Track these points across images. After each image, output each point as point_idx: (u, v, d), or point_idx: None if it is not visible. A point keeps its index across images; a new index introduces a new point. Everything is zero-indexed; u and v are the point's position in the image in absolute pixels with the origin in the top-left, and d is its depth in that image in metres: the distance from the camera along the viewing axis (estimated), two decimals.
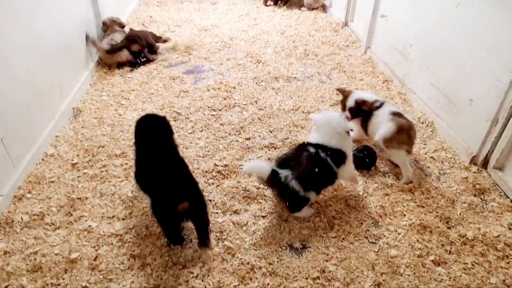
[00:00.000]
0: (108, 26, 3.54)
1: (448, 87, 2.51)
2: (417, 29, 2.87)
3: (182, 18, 4.69)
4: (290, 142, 2.47)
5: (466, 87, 2.34)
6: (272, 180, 1.75)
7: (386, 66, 3.38)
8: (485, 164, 2.25)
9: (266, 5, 5.34)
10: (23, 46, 2.16)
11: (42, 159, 2.25)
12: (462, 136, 2.38)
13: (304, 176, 1.76)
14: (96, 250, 1.72)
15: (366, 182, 2.16)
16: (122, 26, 3.64)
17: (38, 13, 2.35)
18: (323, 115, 1.95)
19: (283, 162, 1.81)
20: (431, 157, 2.37)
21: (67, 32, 2.77)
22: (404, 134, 2.07)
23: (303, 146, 1.86)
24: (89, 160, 2.27)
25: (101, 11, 3.39)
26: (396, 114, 2.13)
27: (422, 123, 2.70)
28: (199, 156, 2.33)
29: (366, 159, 2.22)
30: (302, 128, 2.63)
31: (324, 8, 5.20)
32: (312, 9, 5.12)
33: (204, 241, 1.69)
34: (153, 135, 1.78)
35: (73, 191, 2.03)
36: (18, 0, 2.13)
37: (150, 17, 4.63)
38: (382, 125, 2.12)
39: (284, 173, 1.75)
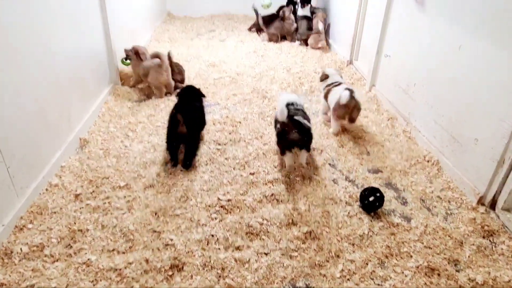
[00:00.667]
0: (131, 55, 3.60)
1: (453, 126, 2.52)
2: (421, 69, 2.92)
3: (192, 54, 4.83)
4: (295, 178, 2.45)
5: (470, 126, 2.34)
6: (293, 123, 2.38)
7: (390, 104, 3.42)
8: (493, 205, 2.21)
9: (250, 30, 5.94)
10: (35, 78, 2.22)
11: (46, 189, 2.25)
12: (468, 176, 2.36)
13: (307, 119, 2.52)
14: (94, 285, 1.68)
15: (371, 221, 2.13)
16: (144, 55, 3.63)
17: (52, 47, 2.44)
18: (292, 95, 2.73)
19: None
20: (438, 197, 2.34)
21: (79, 65, 2.85)
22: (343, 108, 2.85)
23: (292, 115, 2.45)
24: (93, 191, 2.26)
25: (113, 45, 3.50)
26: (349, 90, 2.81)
27: (428, 161, 2.68)
28: (203, 190, 2.32)
29: (376, 203, 2.16)
30: (307, 163, 2.63)
31: (327, 47, 5.34)
32: (314, 48, 5.25)
33: (186, 163, 2.51)
34: (189, 92, 2.80)
35: (75, 223, 2.01)
36: (35, 35, 2.22)
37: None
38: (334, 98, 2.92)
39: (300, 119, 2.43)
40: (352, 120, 2.94)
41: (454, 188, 2.42)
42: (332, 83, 3.10)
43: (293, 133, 2.38)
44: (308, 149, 2.48)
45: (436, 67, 2.71)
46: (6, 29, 1.94)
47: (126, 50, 3.59)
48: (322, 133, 3.03)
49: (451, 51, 2.53)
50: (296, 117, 2.43)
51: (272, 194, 2.29)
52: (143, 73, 3.55)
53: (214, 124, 3.09)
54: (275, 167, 2.57)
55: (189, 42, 5.41)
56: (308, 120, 2.54)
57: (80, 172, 2.42)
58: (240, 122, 3.13)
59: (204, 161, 2.61)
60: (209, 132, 2.96)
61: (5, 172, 1.91)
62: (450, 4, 2.54)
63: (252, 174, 2.49)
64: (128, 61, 3.67)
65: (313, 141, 2.89)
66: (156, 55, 3.55)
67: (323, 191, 2.36)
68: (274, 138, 2.91)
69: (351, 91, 2.82)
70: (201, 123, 2.77)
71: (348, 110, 2.86)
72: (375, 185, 2.41)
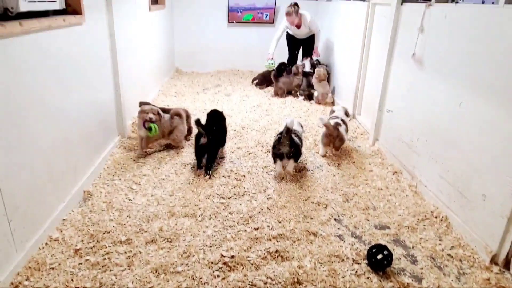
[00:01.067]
0: (155, 117, 3.31)
1: (459, 181, 2.50)
2: (423, 124, 2.96)
3: (198, 108, 4.96)
4: (300, 234, 2.40)
5: (477, 182, 2.32)
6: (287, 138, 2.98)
7: (395, 158, 3.43)
8: (507, 264, 2.12)
9: (253, 83, 6.20)
10: (44, 132, 2.27)
11: (46, 243, 2.21)
12: (479, 233, 2.29)
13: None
14: None
15: (380, 281, 2.04)
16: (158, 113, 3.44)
17: (63, 101, 2.52)
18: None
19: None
20: (449, 255, 2.25)
21: (88, 118, 2.93)
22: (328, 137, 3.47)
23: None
24: (93, 246, 2.21)
25: (122, 99, 3.62)
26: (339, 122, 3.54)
27: (436, 217, 2.62)
28: (206, 246, 2.26)
29: (385, 261, 2.07)
30: (312, 218, 2.58)
31: (331, 101, 5.48)
32: (319, 104, 5.39)
33: (207, 171, 3.09)
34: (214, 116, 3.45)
35: (72, 280, 1.95)
36: (46, 90, 2.30)
37: (167, 106, 4.91)
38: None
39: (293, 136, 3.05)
40: (336, 148, 3.53)
41: (465, 245, 2.34)
42: (331, 117, 3.71)
43: (284, 146, 2.99)
44: (295, 160, 3.07)
45: (438, 122, 2.75)
46: (17, 84, 2.02)
47: (148, 119, 3.26)
48: (327, 187, 3.00)
49: (452, 108, 2.58)
50: (292, 135, 3.02)
51: (276, 251, 2.23)
52: (168, 131, 3.54)
53: (218, 177, 3.09)
54: (280, 222, 2.52)
55: (195, 96, 5.58)
56: (300, 141, 3.16)
57: (81, 226, 2.39)
58: (244, 176, 3.13)
59: (208, 215, 2.57)
60: (213, 186, 2.95)
61: (7, 226, 1.89)
62: (448, 62, 2.64)
63: (256, 229, 2.44)
64: (152, 130, 3.28)
65: (318, 195, 2.87)
66: (177, 113, 3.58)
67: (329, 247, 2.29)
68: (279, 192, 2.89)
69: (336, 123, 3.49)
70: (222, 138, 3.43)
71: (332, 139, 3.46)
72: (383, 242, 2.34)
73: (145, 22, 4.82)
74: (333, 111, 3.85)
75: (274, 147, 3.10)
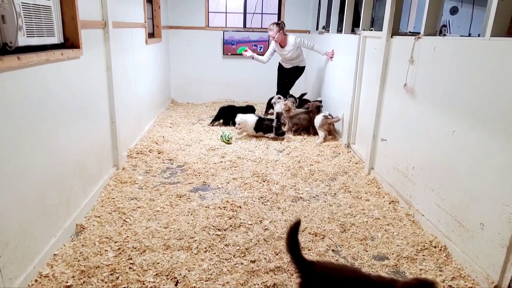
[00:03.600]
0: None
1: (456, 210, 2.49)
2: (417, 153, 2.98)
3: (193, 139, 4.97)
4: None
5: (474, 211, 2.31)
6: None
7: (391, 187, 3.42)
8: None
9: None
10: (38, 165, 2.25)
11: (36, 280, 2.13)
12: (479, 263, 2.26)
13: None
14: None
15: None
16: None
17: (58, 135, 2.51)
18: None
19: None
20: (450, 286, 2.21)
21: (83, 151, 2.91)
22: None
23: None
24: (84, 282, 2.14)
25: (118, 131, 3.62)
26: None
27: (435, 247, 2.59)
28: (202, 279, 2.20)
29: None
30: (309, 250, 2.54)
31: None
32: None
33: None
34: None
35: None
36: (43, 124, 2.30)
37: (163, 137, 4.92)
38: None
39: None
40: (330, 132, 5.12)
41: (466, 276, 2.30)
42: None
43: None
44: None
45: (432, 151, 2.78)
46: (12, 116, 2.02)
47: None
48: (323, 217, 2.97)
49: (445, 136, 2.61)
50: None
51: (274, 284, 2.17)
52: None
53: (214, 208, 3.05)
54: (277, 254, 2.47)
55: (190, 127, 5.60)
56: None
57: (72, 261, 2.32)
58: (240, 207, 3.09)
59: (204, 247, 2.52)
60: (209, 217, 2.90)
61: None
62: (439, 92, 2.70)
63: (253, 262, 2.39)
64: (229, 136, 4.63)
65: (314, 225, 2.83)
66: None
67: None
68: (275, 223, 2.85)
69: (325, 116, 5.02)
70: None
71: (329, 125, 5.03)
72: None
73: (141, 55, 4.91)
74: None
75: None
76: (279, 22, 5.75)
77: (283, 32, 5.70)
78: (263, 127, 5.04)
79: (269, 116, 5.95)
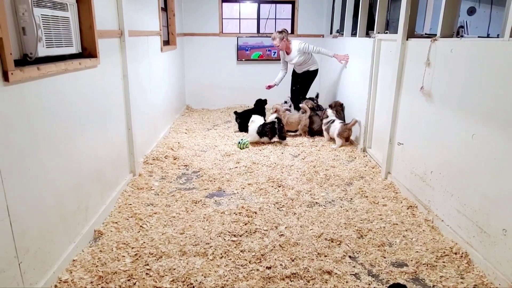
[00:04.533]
0: None
1: (477, 215, 2.42)
2: (436, 157, 2.92)
3: (208, 144, 5.00)
4: (314, 272, 2.32)
5: (496, 216, 2.24)
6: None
7: (408, 191, 3.36)
8: None
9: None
10: (56, 172, 2.30)
11: (55, 286, 2.17)
12: (502, 270, 2.19)
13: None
14: None
15: None
16: None
17: (76, 142, 2.56)
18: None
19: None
20: None
21: (100, 157, 2.96)
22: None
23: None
24: (102, 287, 2.17)
25: (134, 137, 3.67)
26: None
27: (456, 253, 2.52)
28: (218, 286, 2.20)
29: None
30: (326, 256, 2.51)
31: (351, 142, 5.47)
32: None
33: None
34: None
35: None
36: (62, 132, 2.35)
37: (178, 143, 4.97)
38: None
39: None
40: (347, 139, 5.03)
41: (489, 284, 2.23)
42: (329, 121, 5.10)
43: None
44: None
45: (451, 155, 2.72)
46: (32, 124, 2.07)
47: None
48: (340, 223, 2.94)
49: (464, 140, 2.55)
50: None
51: None
52: None
53: (229, 214, 3.05)
54: (293, 260, 2.45)
55: (205, 132, 5.64)
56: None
57: (91, 267, 2.35)
58: (255, 212, 3.09)
59: (219, 253, 2.52)
60: (224, 223, 2.91)
61: (17, 268, 1.87)
62: (457, 95, 2.64)
63: (269, 268, 2.37)
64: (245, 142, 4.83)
65: (331, 231, 2.80)
66: None
67: (345, 287, 2.20)
68: (291, 228, 2.83)
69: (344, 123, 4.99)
70: None
71: (348, 132, 4.96)
72: (401, 281, 2.25)
73: (157, 62, 4.99)
74: (327, 116, 5.16)
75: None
76: (281, 30, 5.71)
77: (286, 39, 5.72)
78: (266, 132, 4.98)
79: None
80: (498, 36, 3.38)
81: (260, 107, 6.02)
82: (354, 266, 2.42)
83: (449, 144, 2.75)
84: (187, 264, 2.40)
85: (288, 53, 5.83)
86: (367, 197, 3.42)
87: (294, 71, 6.17)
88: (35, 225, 2.05)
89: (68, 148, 2.43)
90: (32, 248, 2.00)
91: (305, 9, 7.19)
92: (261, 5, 7.30)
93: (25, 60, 2.02)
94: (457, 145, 2.64)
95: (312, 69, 5.97)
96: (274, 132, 5.00)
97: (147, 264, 2.39)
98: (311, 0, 7.18)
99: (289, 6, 7.31)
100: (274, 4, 7.32)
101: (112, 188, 3.23)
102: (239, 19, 7.43)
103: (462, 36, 3.05)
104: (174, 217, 3.02)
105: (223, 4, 7.23)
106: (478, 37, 4.11)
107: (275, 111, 5.35)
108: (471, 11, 6.07)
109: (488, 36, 4.72)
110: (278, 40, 5.66)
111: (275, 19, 7.41)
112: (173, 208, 3.16)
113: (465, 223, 2.55)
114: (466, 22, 6.01)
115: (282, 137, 5.03)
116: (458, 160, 2.63)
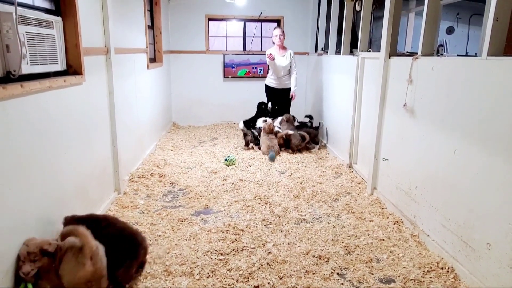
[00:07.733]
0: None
1: (462, 230, 2.45)
2: (420, 172, 2.97)
3: (194, 161, 4.96)
4: None
5: (480, 230, 2.28)
6: None
7: (394, 207, 3.39)
8: None
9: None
10: (39, 189, 2.24)
11: None
12: (488, 284, 2.20)
13: None
14: None
15: None
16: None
17: (60, 159, 2.52)
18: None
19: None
20: None
21: (84, 175, 2.91)
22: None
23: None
24: None
25: (119, 155, 3.62)
26: None
27: (442, 268, 2.54)
28: None
29: None
30: (314, 273, 2.49)
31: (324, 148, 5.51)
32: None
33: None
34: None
35: None
36: (45, 149, 2.31)
37: (164, 160, 4.92)
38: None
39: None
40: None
41: None
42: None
43: None
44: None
45: (435, 170, 2.76)
46: (15, 142, 2.03)
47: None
48: (327, 239, 2.93)
49: (447, 155, 2.60)
50: None
51: None
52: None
53: (216, 232, 3.01)
54: (281, 279, 2.42)
55: (191, 149, 5.61)
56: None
57: None
58: (242, 230, 3.05)
59: (206, 273, 2.47)
60: (211, 242, 2.86)
61: None
62: (439, 111, 2.71)
63: (257, 287, 2.34)
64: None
65: (318, 248, 2.79)
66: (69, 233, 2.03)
67: None
68: (278, 246, 2.81)
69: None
70: None
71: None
72: None
73: (143, 79, 4.98)
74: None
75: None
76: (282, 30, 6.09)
77: (284, 37, 6.04)
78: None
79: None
80: (476, 55, 3.50)
81: (262, 111, 6.32)
82: (342, 284, 2.40)
83: (433, 159, 2.80)
84: (173, 284, 2.35)
85: (282, 52, 5.98)
86: (353, 213, 3.43)
87: (269, 89, 6.20)
88: (14, 247, 1.98)
89: (51, 165, 2.38)
90: (10, 270, 1.92)
91: (291, 27, 7.33)
92: (247, 23, 7.42)
93: (8, 78, 1.99)
94: (441, 160, 2.69)
95: (289, 86, 6.05)
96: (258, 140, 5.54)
97: (131, 287, 2.32)
98: (296, 19, 7.34)
99: (275, 24, 7.45)
100: (260, 23, 7.44)
101: (96, 206, 3.16)
102: (226, 36, 7.52)
103: (442, 55, 3.15)
104: (159, 236, 2.96)
105: (210, 22, 7.32)
106: (458, 55, 4.25)
107: (268, 127, 5.47)
108: (450, 31, 6.30)
109: (466, 54, 4.89)
110: (281, 32, 5.98)
111: (261, 37, 7.53)
112: (158, 227, 3.11)
113: (450, 238, 2.57)
114: (446, 41, 6.23)
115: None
116: (442, 175, 2.68)
